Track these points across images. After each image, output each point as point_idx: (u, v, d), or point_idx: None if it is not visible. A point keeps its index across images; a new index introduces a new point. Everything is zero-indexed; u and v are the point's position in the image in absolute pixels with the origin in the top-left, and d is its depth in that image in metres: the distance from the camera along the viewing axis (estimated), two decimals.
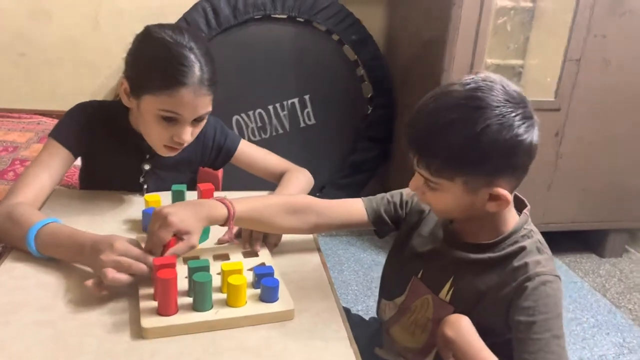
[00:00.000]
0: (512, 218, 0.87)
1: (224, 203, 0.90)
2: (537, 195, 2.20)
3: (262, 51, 2.32)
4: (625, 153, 2.22)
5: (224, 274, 0.84)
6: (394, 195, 1.03)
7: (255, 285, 0.86)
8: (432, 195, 0.84)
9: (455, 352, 0.79)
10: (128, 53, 1.06)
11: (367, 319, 1.19)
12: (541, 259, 0.84)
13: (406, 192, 1.01)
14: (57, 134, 1.12)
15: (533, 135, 0.79)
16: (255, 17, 2.26)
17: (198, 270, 0.82)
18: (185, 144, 1.09)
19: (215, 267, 0.87)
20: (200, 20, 2.20)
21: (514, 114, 0.77)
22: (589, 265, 2.39)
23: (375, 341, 1.03)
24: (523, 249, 0.84)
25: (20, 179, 1.07)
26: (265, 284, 0.83)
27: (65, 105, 1.20)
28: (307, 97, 2.42)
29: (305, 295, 0.87)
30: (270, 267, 0.88)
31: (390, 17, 2.57)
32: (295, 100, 2.41)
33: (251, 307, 0.82)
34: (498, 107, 0.76)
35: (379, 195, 1.04)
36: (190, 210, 0.86)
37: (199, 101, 1.03)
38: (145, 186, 1.21)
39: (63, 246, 0.91)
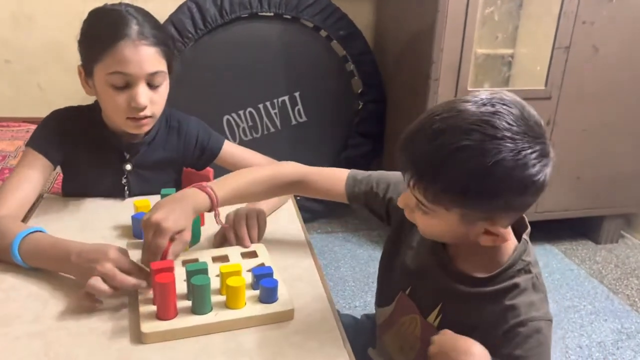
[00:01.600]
0: (508, 246, 0.79)
1: (205, 191, 0.90)
2: None
3: (251, 50, 2.31)
4: (617, 139, 2.22)
5: (222, 276, 0.84)
6: (381, 188, 0.96)
7: (254, 286, 0.86)
8: (422, 218, 0.77)
9: None
10: (77, 40, 1.09)
11: (361, 317, 1.17)
12: (535, 300, 0.77)
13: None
14: (33, 143, 1.12)
15: (546, 175, 0.71)
16: (242, 15, 2.25)
17: (196, 273, 0.81)
18: (149, 113, 1.08)
19: (213, 269, 0.87)
20: (187, 20, 2.19)
21: (530, 151, 0.68)
22: (585, 252, 2.40)
23: (368, 341, 1.01)
24: (517, 286, 0.77)
25: (0, 190, 1.06)
26: (264, 285, 0.82)
27: None
28: (297, 94, 2.41)
29: (298, 297, 0.87)
30: (269, 268, 0.88)
31: (378, 11, 2.56)
32: (286, 97, 2.40)
33: (251, 309, 0.81)
34: (515, 140, 0.67)
35: (366, 180, 0.99)
36: (177, 209, 0.86)
37: (141, 54, 1.03)
38: (127, 189, 1.20)
39: (46, 255, 0.90)
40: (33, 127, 2.17)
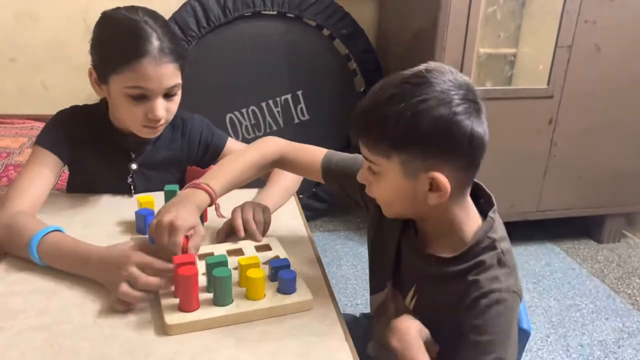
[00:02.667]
0: (472, 224, 0.82)
1: (202, 189, 0.93)
2: (533, 182, 2.20)
3: (253, 48, 2.31)
4: (619, 137, 2.22)
5: (241, 268, 0.85)
6: (355, 171, 0.92)
7: (271, 278, 0.87)
8: (376, 184, 0.82)
9: None
10: (90, 42, 1.08)
11: (359, 315, 1.18)
12: (500, 274, 0.78)
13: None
14: (43, 141, 1.12)
15: (476, 123, 0.74)
16: (245, 14, 2.25)
17: (217, 265, 0.82)
18: (163, 121, 1.09)
19: (230, 262, 0.88)
20: (190, 19, 2.19)
21: (454, 93, 0.73)
22: (587, 251, 2.40)
23: (367, 339, 1.02)
24: (482, 263, 0.78)
25: (13, 188, 1.06)
26: (283, 276, 0.84)
27: (57, 110, 1.19)
28: (299, 92, 2.41)
29: None
30: (286, 260, 0.90)
31: (380, 10, 2.56)
32: (288, 96, 2.41)
33: (271, 300, 0.83)
34: (440, 85, 0.74)
35: (341, 162, 1.01)
36: (182, 209, 0.88)
37: (162, 71, 1.03)
38: (132, 188, 1.21)
39: (66, 258, 0.90)
40: (37, 124, 2.19)
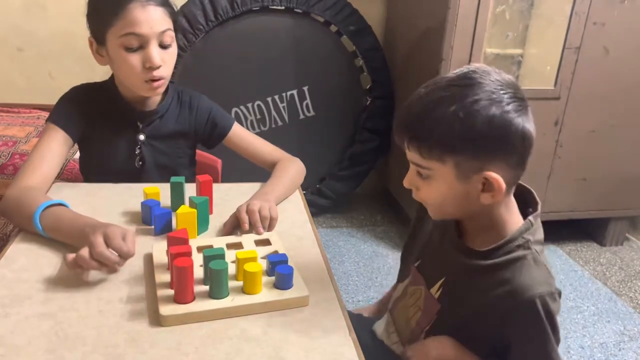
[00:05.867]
0: (513, 223, 0.83)
1: None
2: (537, 183, 2.19)
3: (260, 43, 2.31)
4: (625, 141, 2.21)
5: (239, 261, 0.85)
6: None
7: (269, 272, 0.87)
8: (425, 188, 0.82)
9: None
10: (86, 13, 1.14)
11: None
12: (535, 274, 0.79)
13: None
14: (53, 119, 1.17)
15: (526, 121, 0.76)
16: (253, 8, 2.25)
17: (214, 258, 0.83)
18: (163, 74, 1.13)
19: (228, 256, 0.89)
20: (198, 12, 2.19)
21: (503, 92, 0.75)
22: (590, 254, 2.40)
23: (372, 338, 1.03)
24: (514, 260, 0.79)
25: (25, 164, 1.11)
26: (280, 272, 0.84)
27: None
28: (305, 88, 2.41)
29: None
30: (284, 255, 0.90)
31: (388, 8, 2.56)
32: (294, 92, 2.41)
33: (267, 294, 0.83)
34: (489, 85, 0.75)
35: None
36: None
37: (151, 14, 1.09)
38: (139, 160, 1.24)
39: (65, 229, 0.94)
40: (44, 114, 2.20)
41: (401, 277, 1.03)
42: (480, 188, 0.78)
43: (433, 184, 0.80)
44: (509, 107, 0.74)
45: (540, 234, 0.84)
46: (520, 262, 0.79)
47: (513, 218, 0.83)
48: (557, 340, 0.80)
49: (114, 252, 0.84)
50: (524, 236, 0.81)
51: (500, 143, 0.75)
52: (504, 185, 0.77)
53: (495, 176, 0.76)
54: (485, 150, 0.76)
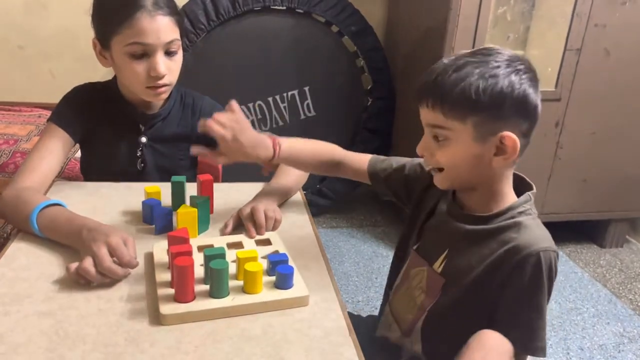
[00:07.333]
0: (511, 197, 0.88)
1: (272, 141, 1.04)
2: (537, 185, 2.15)
3: (262, 43, 2.31)
4: (625, 143, 2.22)
5: (239, 261, 0.85)
6: (399, 167, 1.05)
7: (269, 272, 0.87)
8: (441, 152, 0.84)
9: None
10: (91, 14, 1.12)
11: (367, 310, 1.19)
12: (538, 234, 0.83)
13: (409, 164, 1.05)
14: (55, 118, 1.16)
15: (537, 92, 0.81)
16: (255, 8, 2.25)
17: (214, 257, 0.82)
18: (166, 81, 1.12)
19: (229, 256, 0.89)
20: (199, 12, 2.20)
21: (518, 63, 0.81)
22: (590, 256, 2.40)
23: (372, 339, 1.03)
24: (517, 224, 0.83)
25: (24, 164, 1.11)
26: (280, 271, 0.84)
27: None
28: (306, 88, 2.41)
29: None
30: (284, 255, 0.90)
31: (390, 8, 2.56)
32: (295, 92, 2.41)
33: (267, 294, 0.83)
34: (506, 56, 0.81)
35: (387, 161, 1.07)
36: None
37: (158, 24, 1.07)
38: (141, 162, 1.23)
39: (61, 229, 0.93)
40: (45, 112, 2.20)
41: (399, 261, 1.03)
42: (493, 151, 0.82)
43: (449, 146, 0.83)
44: (525, 76, 0.80)
45: (535, 212, 0.88)
46: (523, 224, 0.83)
47: (511, 193, 0.88)
48: (548, 299, 0.83)
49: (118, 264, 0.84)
50: (524, 205, 0.86)
51: (518, 107, 0.80)
52: (518, 146, 0.81)
53: (513, 136, 0.80)
54: (505, 112, 0.80)
